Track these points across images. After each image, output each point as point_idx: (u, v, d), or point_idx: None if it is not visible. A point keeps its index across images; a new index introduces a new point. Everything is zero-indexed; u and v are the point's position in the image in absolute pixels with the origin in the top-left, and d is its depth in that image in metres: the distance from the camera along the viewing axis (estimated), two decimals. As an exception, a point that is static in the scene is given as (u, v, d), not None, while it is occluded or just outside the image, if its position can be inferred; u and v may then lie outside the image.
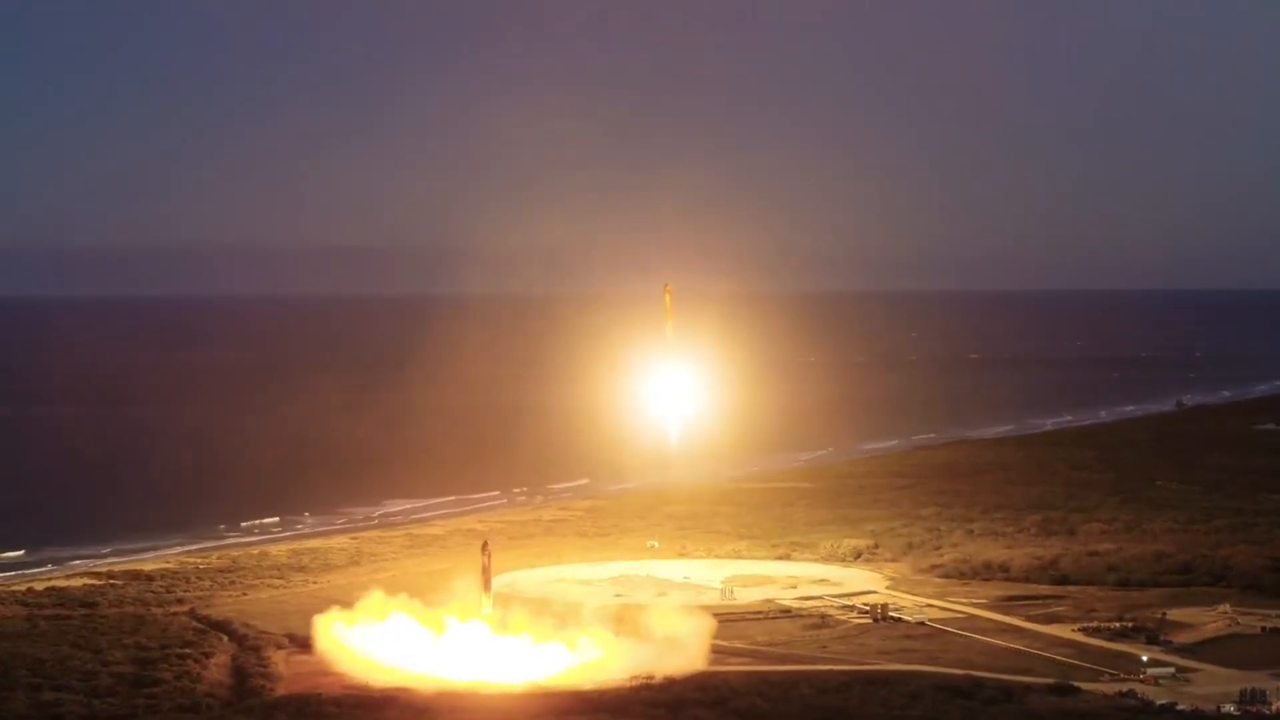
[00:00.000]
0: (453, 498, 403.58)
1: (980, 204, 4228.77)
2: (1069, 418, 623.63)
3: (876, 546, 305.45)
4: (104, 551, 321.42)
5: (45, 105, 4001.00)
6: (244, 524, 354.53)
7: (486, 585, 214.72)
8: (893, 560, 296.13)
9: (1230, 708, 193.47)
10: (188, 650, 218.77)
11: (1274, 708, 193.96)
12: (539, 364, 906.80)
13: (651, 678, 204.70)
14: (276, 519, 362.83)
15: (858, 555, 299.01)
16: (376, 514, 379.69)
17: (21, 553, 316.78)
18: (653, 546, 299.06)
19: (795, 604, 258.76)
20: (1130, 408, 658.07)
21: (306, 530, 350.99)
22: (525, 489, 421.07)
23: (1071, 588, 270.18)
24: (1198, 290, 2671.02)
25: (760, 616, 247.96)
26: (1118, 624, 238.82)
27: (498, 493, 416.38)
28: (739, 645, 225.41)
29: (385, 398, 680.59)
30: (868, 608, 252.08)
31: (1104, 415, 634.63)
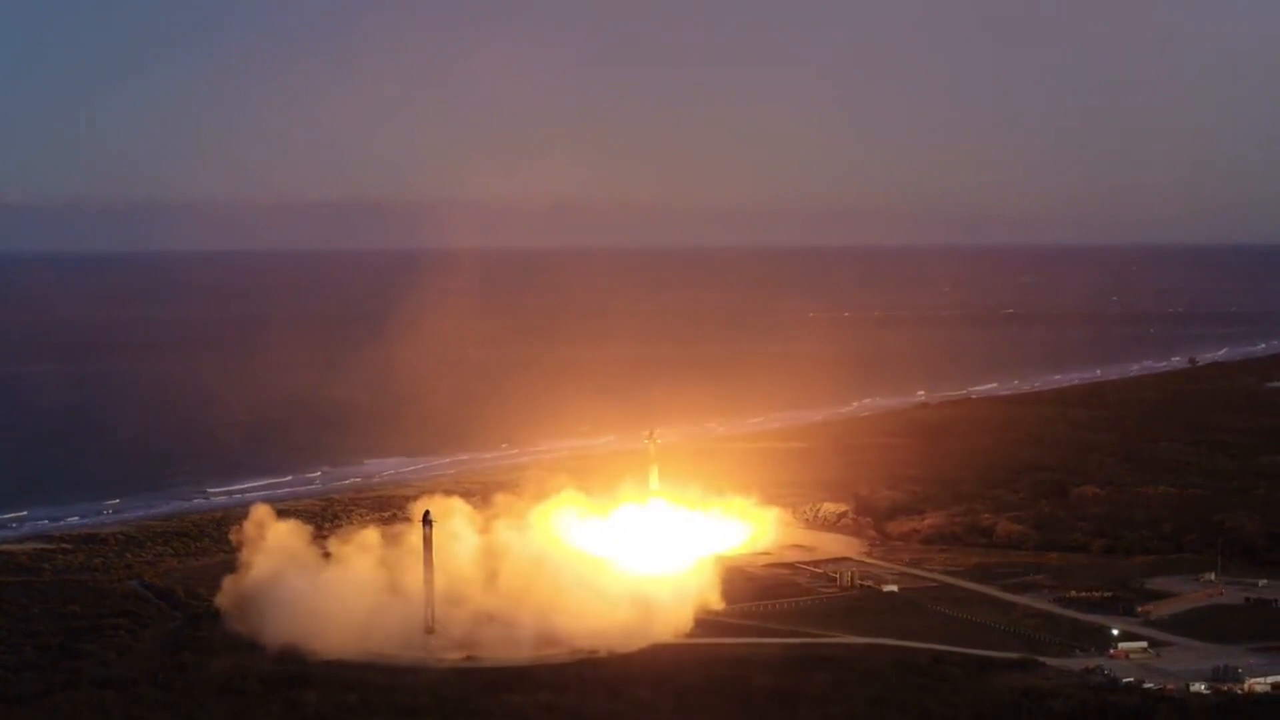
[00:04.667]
0: (455, 457, 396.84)
1: (1025, 157, 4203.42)
2: (1098, 372, 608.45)
3: (857, 510, 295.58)
4: (62, 512, 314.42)
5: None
6: (213, 485, 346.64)
7: (428, 559, 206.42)
8: (873, 524, 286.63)
9: (1201, 686, 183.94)
10: (122, 620, 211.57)
11: (1247, 686, 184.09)
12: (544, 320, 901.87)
13: (595, 653, 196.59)
14: (250, 480, 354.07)
15: (838, 519, 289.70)
16: (355, 473, 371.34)
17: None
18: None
19: (764, 572, 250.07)
20: (1165, 362, 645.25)
21: (279, 491, 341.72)
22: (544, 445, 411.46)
23: (1054, 555, 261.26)
24: (1248, 244, 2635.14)
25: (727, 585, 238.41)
26: (1095, 594, 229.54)
27: (513, 448, 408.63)
28: (701, 615, 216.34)
29: (370, 354, 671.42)
30: (837, 576, 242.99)
31: (1134, 370, 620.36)
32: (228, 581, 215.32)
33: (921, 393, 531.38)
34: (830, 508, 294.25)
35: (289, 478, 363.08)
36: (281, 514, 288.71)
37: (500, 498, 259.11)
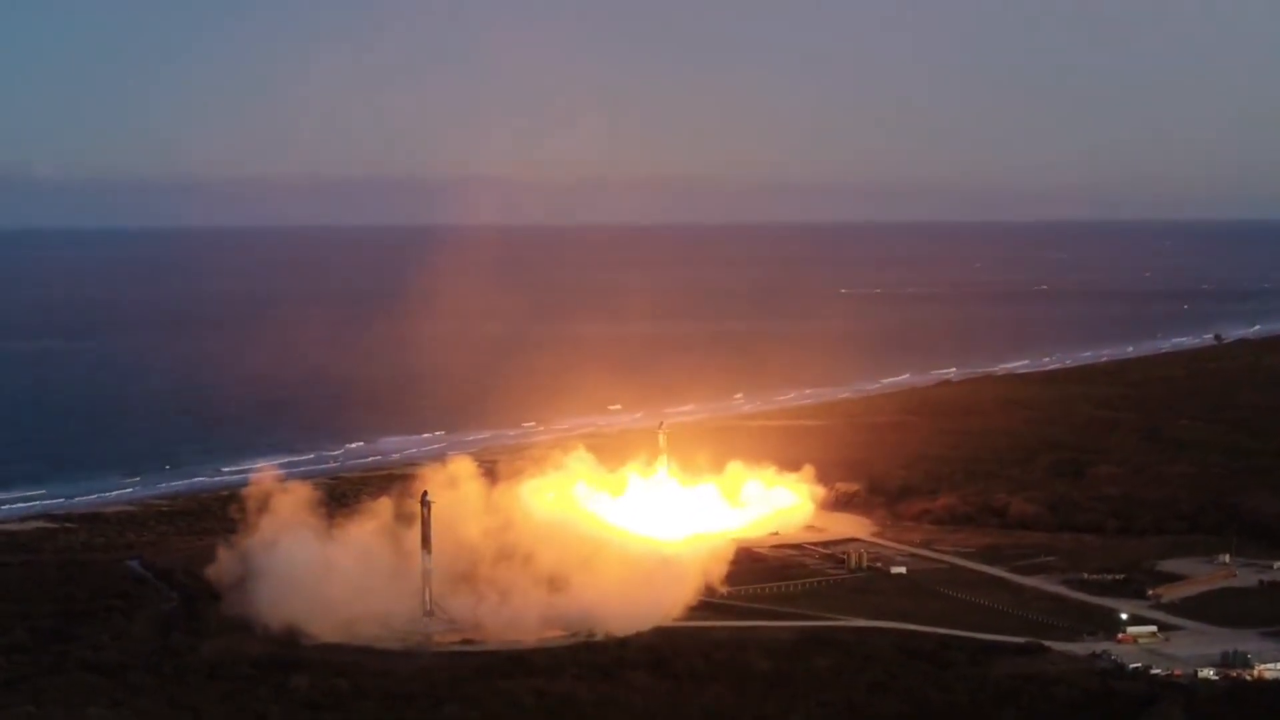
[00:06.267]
0: (477, 435, 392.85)
1: (1057, 133, 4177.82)
2: (1129, 349, 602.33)
3: (870, 490, 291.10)
4: (74, 490, 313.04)
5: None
6: (228, 463, 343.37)
7: (425, 540, 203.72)
8: (885, 504, 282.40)
9: (1209, 672, 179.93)
10: (117, 602, 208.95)
11: (1257, 672, 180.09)
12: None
13: (592, 635, 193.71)
14: (267, 458, 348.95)
15: (850, 499, 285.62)
16: (374, 451, 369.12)
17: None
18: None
19: (770, 553, 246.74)
20: (1198, 339, 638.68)
21: (295, 470, 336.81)
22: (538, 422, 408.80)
23: (1067, 535, 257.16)
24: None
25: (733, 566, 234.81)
26: (1107, 576, 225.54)
27: (533, 424, 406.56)
28: (703, 597, 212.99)
29: (392, 331, 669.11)
30: (845, 557, 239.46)
31: (1165, 347, 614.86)
32: (222, 559, 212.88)
33: (953, 369, 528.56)
34: (842, 487, 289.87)
35: (310, 455, 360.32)
36: (288, 492, 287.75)
37: (508, 467, 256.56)
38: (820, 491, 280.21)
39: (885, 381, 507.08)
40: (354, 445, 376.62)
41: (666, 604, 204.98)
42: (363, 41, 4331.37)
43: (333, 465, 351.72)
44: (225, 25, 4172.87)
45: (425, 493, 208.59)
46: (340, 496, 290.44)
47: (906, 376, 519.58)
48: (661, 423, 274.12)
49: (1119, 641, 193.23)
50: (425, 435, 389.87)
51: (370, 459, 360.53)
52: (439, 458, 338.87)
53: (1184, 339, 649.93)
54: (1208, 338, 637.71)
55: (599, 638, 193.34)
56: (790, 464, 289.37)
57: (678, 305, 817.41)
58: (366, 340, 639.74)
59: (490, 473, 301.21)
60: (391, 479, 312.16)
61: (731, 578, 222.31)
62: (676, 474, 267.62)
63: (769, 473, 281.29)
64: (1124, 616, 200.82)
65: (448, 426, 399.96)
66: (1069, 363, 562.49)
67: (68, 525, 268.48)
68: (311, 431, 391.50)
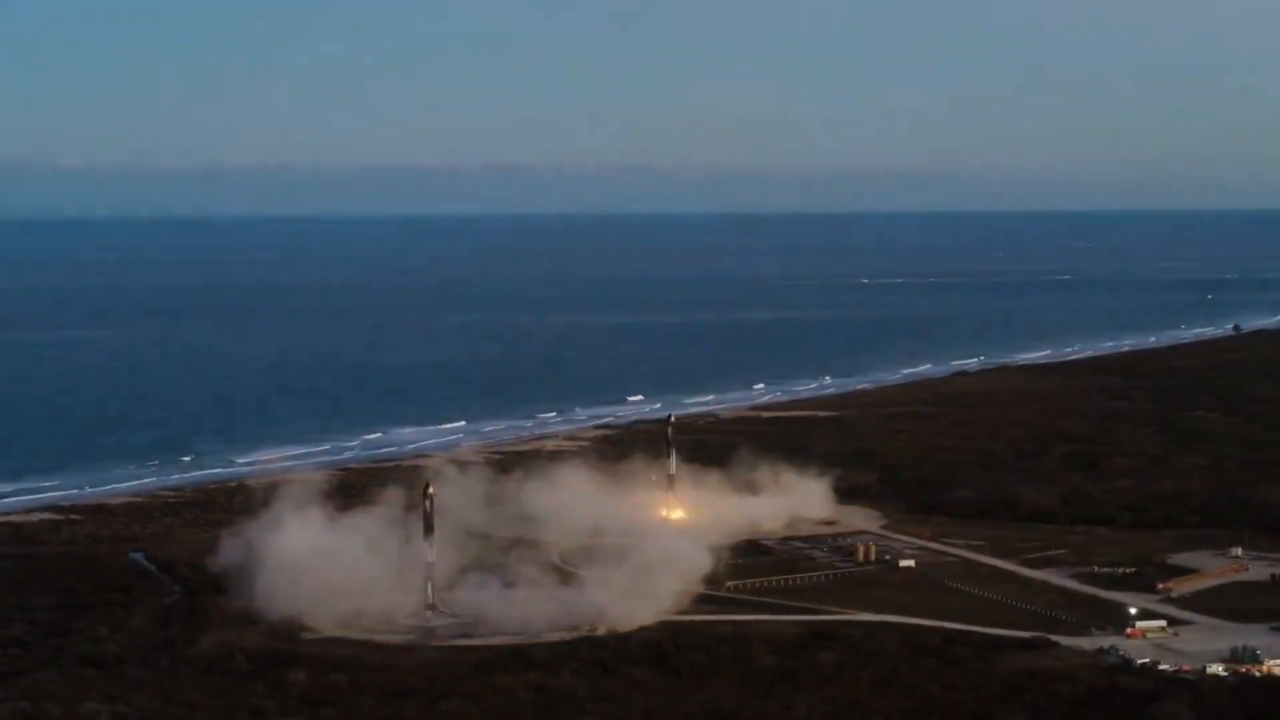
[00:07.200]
0: (495, 425, 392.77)
1: (1079, 122, 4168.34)
2: (1151, 340, 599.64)
3: (883, 482, 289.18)
4: (85, 480, 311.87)
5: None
6: (242, 454, 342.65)
7: (428, 532, 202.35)
8: (898, 496, 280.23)
9: (1218, 668, 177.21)
10: (118, 596, 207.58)
11: (1266, 668, 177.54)
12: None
13: (594, 630, 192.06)
14: (282, 449, 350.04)
15: (862, 491, 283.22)
16: (389, 442, 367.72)
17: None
18: None
19: (777, 545, 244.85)
20: (1221, 329, 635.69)
21: (306, 461, 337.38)
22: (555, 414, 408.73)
23: (1079, 528, 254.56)
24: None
25: (740, 559, 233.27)
26: (1117, 570, 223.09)
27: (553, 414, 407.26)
28: (709, 590, 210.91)
29: (415, 322, 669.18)
30: (854, 550, 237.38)
31: (1188, 337, 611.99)
32: (224, 553, 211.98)
33: (974, 359, 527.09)
34: (855, 479, 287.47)
35: (326, 446, 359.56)
36: (297, 484, 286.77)
37: (520, 458, 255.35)
38: (832, 483, 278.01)
39: (905, 372, 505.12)
40: (371, 436, 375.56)
41: (671, 596, 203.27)
42: (365, 32, 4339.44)
43: (347, 456, 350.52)
44: (245, 18, 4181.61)
45: (427, 484, 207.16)
46: (349, 488, 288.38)
47: (926, 367, 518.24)
48: (670, 415, 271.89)
49: (1128, 636, 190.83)
50: (443, 426, 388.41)
51: (385, 450, 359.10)
52: (452, 449, 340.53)
53: (1206, 329, 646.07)
54: (1229, 328, 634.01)
55: (601, 632, 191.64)
56: (804, 455, 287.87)
57: (699, 296, 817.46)
58: (389, 330, 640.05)
59: (502, 464, 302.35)
60: (402, 470, 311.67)
61: (737, 571, 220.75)
62: (687, 465, 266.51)
63: (781, 464, 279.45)
64: (1133, 611, 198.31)
65: (466, 417, 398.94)
66: (1090, 353, 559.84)
67: (73, 517, 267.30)
68: (329, 422, 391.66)
